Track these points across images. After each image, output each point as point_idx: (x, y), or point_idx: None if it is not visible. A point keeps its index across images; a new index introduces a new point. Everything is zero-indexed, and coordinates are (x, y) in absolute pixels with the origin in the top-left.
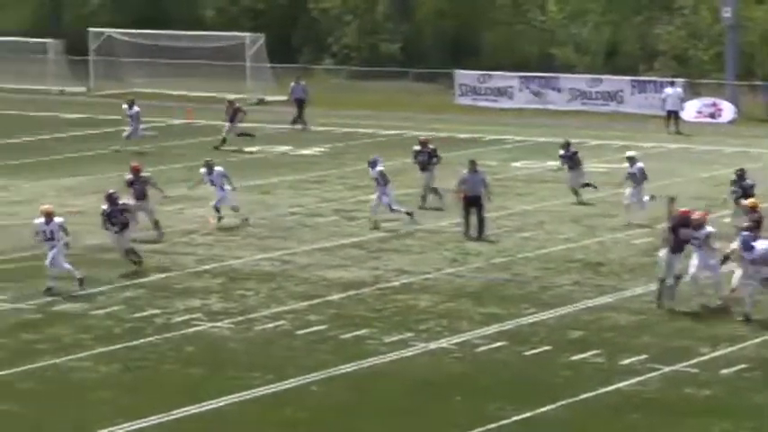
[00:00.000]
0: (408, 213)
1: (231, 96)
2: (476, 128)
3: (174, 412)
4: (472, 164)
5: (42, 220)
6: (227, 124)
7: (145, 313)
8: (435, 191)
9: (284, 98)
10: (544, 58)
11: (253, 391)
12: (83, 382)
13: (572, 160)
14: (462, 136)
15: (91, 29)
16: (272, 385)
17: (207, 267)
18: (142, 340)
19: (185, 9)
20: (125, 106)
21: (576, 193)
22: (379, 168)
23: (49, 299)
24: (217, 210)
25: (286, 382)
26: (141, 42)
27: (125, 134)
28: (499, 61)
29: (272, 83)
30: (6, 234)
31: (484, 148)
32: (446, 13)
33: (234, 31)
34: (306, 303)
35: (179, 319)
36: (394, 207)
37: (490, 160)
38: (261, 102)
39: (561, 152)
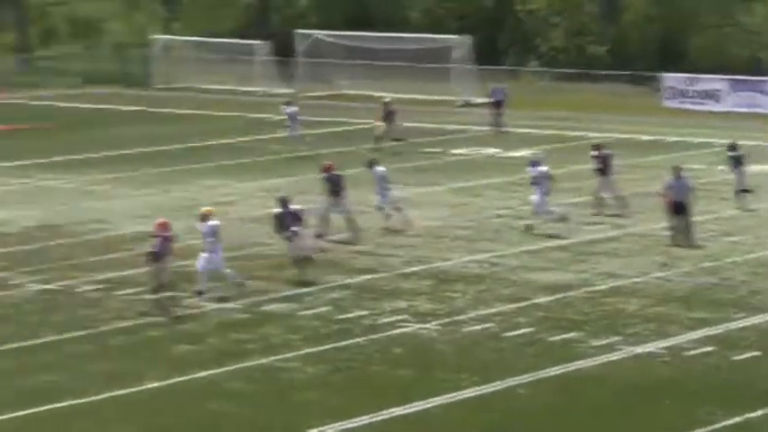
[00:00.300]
0: (563, 219)
1: (387, 98)
2: (683, 131)
3: (383, 413)
4: (677, 170)
5: (201, 222)
6: (379, 123)
7: (351, 314)
8: (602, 199)
9: (487, 100)
10: (754, 61)
11: (460, 393)
12: (291, 383)
13: (738, 162)
14: (669, 139)
15: (298, 31)
16: (478, 387)
17: (414, 269)
18: (349, 341)
19: (392, 10)
20: (283, 106)
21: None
22: (541, 168)
23: (258, 299)
24: (398, 209)
25: (493, 384)
26: (347, 44)
27: (288, 135)
28: (707, 64)
29: (478, 85)
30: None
31: (692, 152)
32: (653, 17)
33: (439, 32)
34: (513, 306)
35: (386, 320)
36: (545, 210)
37: (697, 164)
38: (467, 104)
39: (729, 153)
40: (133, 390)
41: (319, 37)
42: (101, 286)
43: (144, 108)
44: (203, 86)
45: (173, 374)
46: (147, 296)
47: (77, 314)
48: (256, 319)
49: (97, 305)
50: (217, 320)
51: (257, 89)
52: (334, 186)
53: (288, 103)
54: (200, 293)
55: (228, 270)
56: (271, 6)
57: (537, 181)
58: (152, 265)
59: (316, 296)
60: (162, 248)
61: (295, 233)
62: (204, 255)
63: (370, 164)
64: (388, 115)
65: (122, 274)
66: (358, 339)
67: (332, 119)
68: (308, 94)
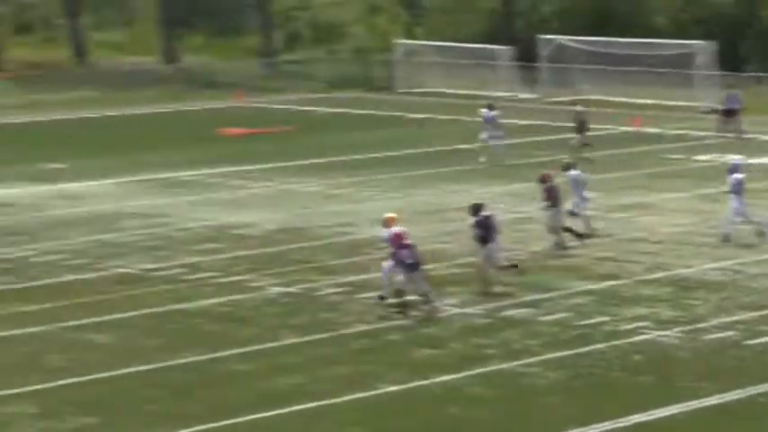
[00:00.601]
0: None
1: (578, 106)
2: None
3: (624, 420)
4: None
5: (384, 229)
6: (576, 135)
7: (592, 320)
8: None
9: (719, 107)
10: None
11: (701, 401)
12: (532, 388)
13: None
14: None
15: (541, 36)
16: (719, 395)
17: (656, 276)
18: (590, 347)
19: (636, 16)
20: (483, 110)
21: None
22: (737, 175)
23: (499, 303)
24: (574, 214)
25: (734, 392)
26: (590, 49)
27: (483, 139)
28: None
29: (721, 92)
30: (455, 238)
31: None
32: None
33: (683, 38)
34: (756, 314)
35: (626, 326)
36: (743, 219)
37: None
38: (712, 111)
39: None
40: (373, 393)
41: (562, 42)
42: (342, 289)
43: (386, 112)
44: (446, 91)
45: (413, 378)
46: (389, 300)
47: (318, 317)
48: (497, 323)
49: (338, 308)
50: (458, 325)
51: (501, 94)
52: (550, 196)
53: (489, 107)
54: (411, 300)
55: (399, 277)
56: (514, 12)
57: (735, 189)
58: (408, 274)
59: (556, 302)
60: (415, 257)
61: (484, 240)
62: (388, 262)
63: (566, 167)
64: (581, 124)
65: (364, 277)
66: (598, 345)
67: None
68: (551, 99)
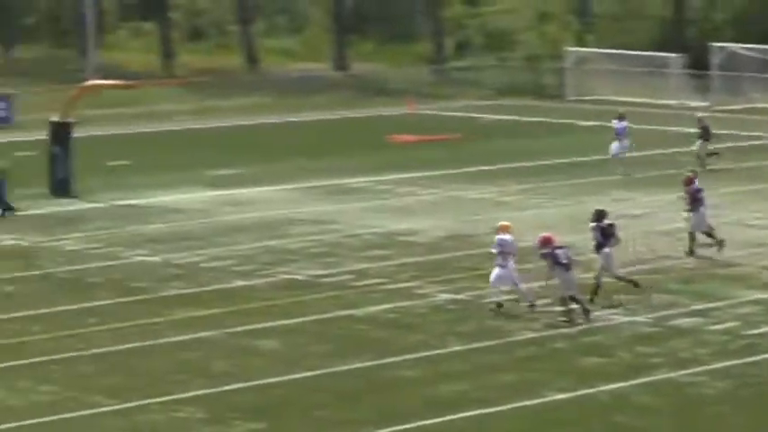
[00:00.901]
0: None
1: (699, 113)
2: None
3: None
4: None
5: (499, 235)
6: (698, 141)
7: (761, 330)
8: None
9: None
10: None
11: None
12: (699, 397)
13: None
14: None
15: (713, 44)
16: None
17: None
18: (758, 357)
19: None
20: (614, 120)
21: None
22: None
23: (666, 312)
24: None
25: None
26: (763, 57)
27: (614, 153)
28: None
29: None
30: (620, 247)
31: None
32: None
33: None
34: None
35: None
36: None
37: None
38: None
39: None
40: (539, 401)
41: (735, 50)
42: (508, 297)
43: (555, 120)
44: (616, 98)
45: (579, 386)
46: (555, 307)
47: (485, 324)
48: (664, 332)
49: (505, 316)
50: (625, 333)
51: (672, 102)
52: (694, 198)
53: (620, 118)
54: (499, 306)
55: (522, 286)
56: (686, 19)
57: None
58: (562, 275)
59: (724, 311)
60: (569, 258)
61: (600, 246)
62: (496, 270)
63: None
64: (704, 131)
65: (530, 285)
66: (766, 355)
67: (744, 132)
68: (723, 107)
